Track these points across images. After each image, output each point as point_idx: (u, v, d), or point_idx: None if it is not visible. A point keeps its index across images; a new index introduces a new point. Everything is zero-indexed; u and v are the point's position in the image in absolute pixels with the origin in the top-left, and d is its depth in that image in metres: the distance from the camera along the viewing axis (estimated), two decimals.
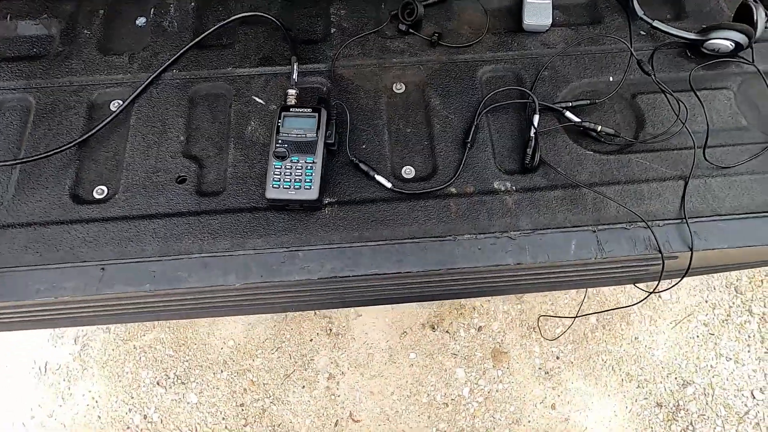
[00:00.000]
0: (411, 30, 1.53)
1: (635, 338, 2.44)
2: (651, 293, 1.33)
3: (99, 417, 2.26)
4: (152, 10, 1.57)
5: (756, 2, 1.40)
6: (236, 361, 2.36)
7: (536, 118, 1.35)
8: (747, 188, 1.30)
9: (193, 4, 1.58)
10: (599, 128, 1.35)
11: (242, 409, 2.28)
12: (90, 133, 1.35)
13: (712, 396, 2.33)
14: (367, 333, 2.42)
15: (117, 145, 1.37)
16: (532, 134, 1.33)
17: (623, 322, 2.47)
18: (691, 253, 1.22)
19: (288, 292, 1.29)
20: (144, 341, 2.40)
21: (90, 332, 2.42)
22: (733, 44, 1.41)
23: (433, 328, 2.44)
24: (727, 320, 2.49)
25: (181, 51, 1.47)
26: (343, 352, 2.38)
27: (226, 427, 2.25)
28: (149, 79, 1.43)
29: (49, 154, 1.32)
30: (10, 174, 1.33)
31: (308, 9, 1.59)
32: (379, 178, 1.30)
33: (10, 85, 1.45)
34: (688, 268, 1.24)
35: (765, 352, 2.41)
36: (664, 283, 1.33)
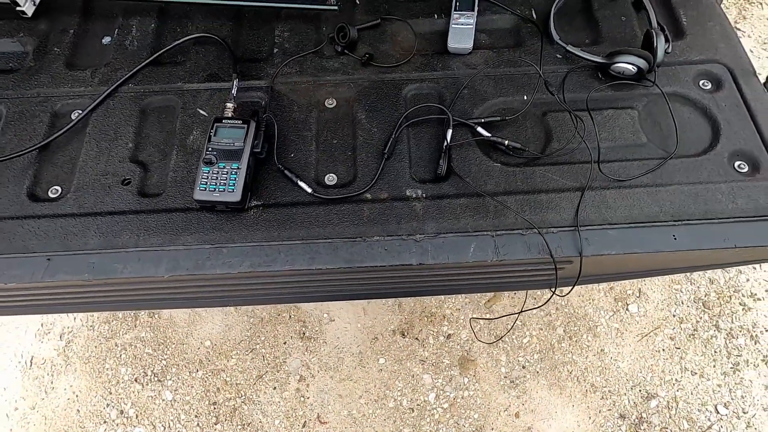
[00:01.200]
0: (346, 51, 1.66)
1: (601, 350, 2.48)
2: (553, 294, 1.42)
3: (78, 411, 2.35)
4: (116, 30, 1.74)
5: (658, 31, 1.52)
6: (212, 361, 2.44)
7: (449, 133, 1.47)
8: (638, 200, 1.39)
9: (153, 25, 1.74)
10: (506, 142, 1.46)
11: (214, 408, 2.35)
12: (50, 139, 1.51)
13: (676, 409, 2.35)
14: (339, 337, 2.50)
15: (74, 150, 1.52)
16: (444, 147, 1.45)
17: (590, 333, 2.51)
18: (581, 258, 1.31)
19: (216, 285, 1.42)
20: (125, 339, 2.50)
21: (75, 329, 2.53)
22: (636, 68, 1.52)
23: (404, 335, 2.50)
24: (693, 335, 2.51)
25: (137, 67, 1.62)
26: (315, 356, 2.45)
27: (198, 425, 2.32)
28: (106, 92, 1.58)
29: (12, 156, 1.48)
30: None
31: (255, 31, 1.73)
32: (301, 184, 1.42)
33: None
34: (579, 272, 1.34)
35: (730, 368, 2.43)
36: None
